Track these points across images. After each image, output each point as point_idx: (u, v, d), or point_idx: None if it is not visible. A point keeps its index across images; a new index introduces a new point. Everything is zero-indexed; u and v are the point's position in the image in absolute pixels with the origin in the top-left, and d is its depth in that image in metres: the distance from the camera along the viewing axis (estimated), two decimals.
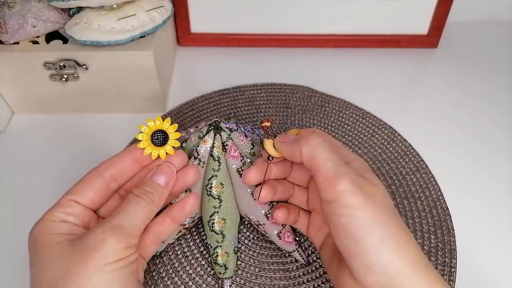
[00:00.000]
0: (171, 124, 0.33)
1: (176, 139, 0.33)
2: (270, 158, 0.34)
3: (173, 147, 0.33)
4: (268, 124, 0.33)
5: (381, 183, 0.30)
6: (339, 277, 0.30)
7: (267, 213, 0.37)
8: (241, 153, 0.36)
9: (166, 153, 0.33)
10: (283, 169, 0.35)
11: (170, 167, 0.33)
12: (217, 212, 0.36)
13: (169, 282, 0.38)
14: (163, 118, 0.34)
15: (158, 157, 0.33)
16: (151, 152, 0.33)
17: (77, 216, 0.30)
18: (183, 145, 0.37)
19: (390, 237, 0.27)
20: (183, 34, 0.57)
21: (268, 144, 0.33)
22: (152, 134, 0.33)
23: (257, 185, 0.35)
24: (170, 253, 0.39)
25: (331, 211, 0.28)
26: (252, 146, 0.37)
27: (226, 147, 0.36)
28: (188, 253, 0.39)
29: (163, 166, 0.33)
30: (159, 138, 0.33)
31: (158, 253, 0.39)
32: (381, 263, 0.27)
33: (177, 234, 0.38)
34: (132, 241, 0.29)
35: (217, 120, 0.37)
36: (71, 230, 0.29)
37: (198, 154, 0.36)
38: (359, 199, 0.27)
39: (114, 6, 0.44)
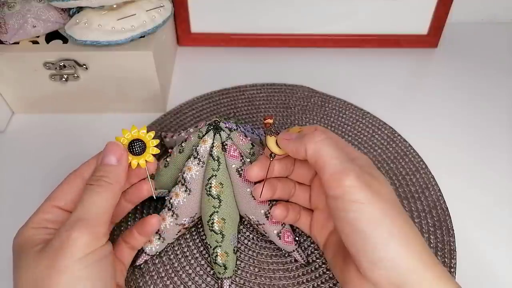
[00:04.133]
0: (147, 132, 0.33)
1: (154, 146, 0.33)
2: (273, 155, 0.33)
3: (152, 154, 0.33)
4: (271, 121, 0.33)
5: (386, 180, 0.30)
6: (345, 274, 0.30)
7: (267, 212, 0.37)
8: (240, 153, 0.36)
9: (146, 160, 0.33)
10: (285, 167, 0.35)
11: (116, 143, 0.32)
12: (217, 212, 0.36)
13: (168, 282, 0.38)
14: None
15: (138, 165, 0.33)
16: (130, 162, 0.33)
17: (56, 221, 0.30)
18: (183, 144, 0.37)
19: (398, 232, 0.27)
20: (183, 34, 0.57)
21: (271, 141, 0.33)
22: (130, 144, 0.33)
23: (255, 183, 0.35)
24: (170, 253, 0.39)
25: (338, 207, 0.28)
26: (251, 146, 0.37)
27: (226, 146, 0.36)
28: (187, 253, 0.39)
29: (108, 145, 0.32)
30: (138, 147, 0.33)
31: (157, 253, 0.39)
32: (389, 258, 0.27)
33: (176, 234, 0.38)
34: (99, 231, 0.28)
35: (217, 120, 0.37)
36: (50, 234, 0.29)
37: (197, 154, 0.36)
38: (366, 194, 0.27)
39: (114, 6, 0.44)
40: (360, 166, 0.30)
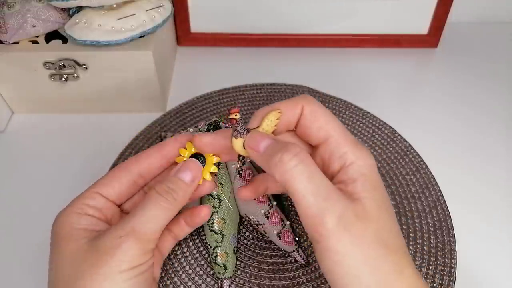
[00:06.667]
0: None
1: (215, 164, 0.31)
2: (241, 158, 0.29)
3: (211, 172, 0.31)
4: (237, 117, 0.28)
5: (380, 201, 0.26)
6: None
7: (267, 213, 0.37)
8: None
9: (210, 172, 0.31)
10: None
11: (196, 162, 0.30)
12: (217, 212, 0.36)
13: (168, 282, 0.38)
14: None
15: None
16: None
17: (99, 209, 0.29)
18: None
19: (377, 282, 0.24)
20: (183, 34, 0.57)
21: (239, 144, 0.28)
22: (192, 156, 0.31)
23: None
24: (170, 253, 0.39)
25: (316, 249, 0.26)
26: None
27: None
28: (187, 253, 0.39)
29: (188, 161, 0.30)
30: (200, 159, 0.31)
31: None
32: None
33: None
34: (149, 247, 0.28)
35: (217, 120, 0.37)
36: (92, 224, 0.28)
37: None
38: (345, 243, 0.24)
39: (114, 5, 0.44)
40: (351, 179, 0.26)
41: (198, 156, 0.31)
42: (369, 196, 0.26)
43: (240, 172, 0.36)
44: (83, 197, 0.29)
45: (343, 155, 0.27)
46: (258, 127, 0.28)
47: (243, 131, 0.28)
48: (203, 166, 0.31)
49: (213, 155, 0.31)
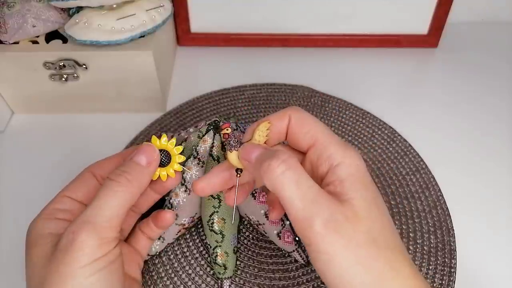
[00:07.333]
0: (175, 146, 0.32)
1: (179, 163, 0.32)
2: (239, 171, 0.29)
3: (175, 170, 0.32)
4: (228, 131, 0.29)
5: (370, 199, 0.26)
6: None
7: (267, 212, 0.37)
8: None
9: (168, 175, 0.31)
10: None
11: (151, 146, 0.30)
12: (217, 211, 0.36)
13: (168, 282, 0.38)
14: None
15: (159, 177, 0.31)
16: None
17: (69, 211, 0.29)
18: (183, 144, 0.37)
19: (371, 280, 0.24)
20: (183, 34, 0.57)
21: (233, 157, 0.29)
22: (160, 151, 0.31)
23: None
24: (170, 253, 0.39)
25: (309, 252, 0.26)
26: None
27: (226, 146, 0.36)
28: (187, 253, 0.39)
29: (142, 145, 0.30)
30: (163, 158, 0.31)
31: (157, 253, 0.39)
32: None
33: (176, 234, 0.38)
34: (108, 235, 0.27)
35: (217, 120, 0.37)
36: (62, 228, 0.28)
37: (197, 154, 0.36)
38: (334, 244, 0.24)
39: (114, 5, 0.44)
40: (339, 180, 0.26)
41: (164, 152, 0.31)
42: (358, 196, 0.26)
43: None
44: (53, 202, 0.30)
45: (330, 156, 0.27)
46: (250, 139, 0.29)
47: (236, 144, 0.29)
48: (168, 163, 0.31)
49: (180, 154, 0.31)
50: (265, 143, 0.29)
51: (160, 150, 0.31)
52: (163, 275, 0.38)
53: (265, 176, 0.26)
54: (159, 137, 0.32)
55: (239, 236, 0.40)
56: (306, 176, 0.26)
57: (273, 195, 0.33)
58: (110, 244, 0.27)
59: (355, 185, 0.26)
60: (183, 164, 0.33)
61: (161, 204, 0.39)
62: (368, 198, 0.26)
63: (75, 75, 0.46)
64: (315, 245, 0.25)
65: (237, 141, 0.29)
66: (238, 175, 0.30)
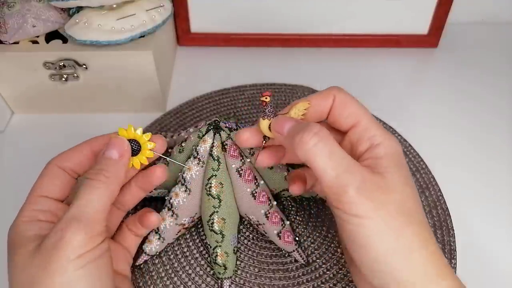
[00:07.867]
0: (143, 133, 0.32)
1: (151, 149, 0.32)
2: (266, 138, 0.31)
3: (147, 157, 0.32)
4: (267, 100, 0.29)
5: (403, 177, 0.27)
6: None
7: (267, 212, 0.37)
8: (240, 153, 0.36)
9: (141, 162, 0.32)
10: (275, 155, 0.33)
11: (119, 138, 0.31)
12: (217, 211, 0.36)
13: (168, 282, 0.38)
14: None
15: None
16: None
17: (49, 211, 0.29)
18: (183, 144, 0.37)
19: (400, 247, 0.25)
20: (183, 34, 0.57)
21: (264, 124, 0.30)
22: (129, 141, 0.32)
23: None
24: (170, 253, 0.39)
25: (338, 216, 0.27)
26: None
27: (226, 146, 0.36)
28: (187, 253, 0.39)
29: (112, 140, 0.31)
30: (133, 147, 0.32)
31: (157, 253, 0.39)
32: (387, 272, 0.26)
33: (176, 234, 0.38)
34: (95, 230, 0.27)
35: (217, 120, 0.37)
36: (44, 229, 0.28)
37: (197, 154, 0.36)
38: (366, 208, 0.25)
39: (114, 5, 0.44)
40: (376, 158, 0.27)
41: (133, 142, 0.32)
42: (392, 171, 0.27)
43: (240, 172, 0.36)
44: (29, 203, 0.30)
45: (372, 138, 0.29)
46: (286, 113, 0.30)
47: (271, 113, 0.30)
48: (139, 151, 0.32)
49: (149, 141, 0.32)
50: None
51: (129, 140, 0.32)
52: (163, 275, 0.38)
53: (298, 148, 0.26)
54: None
55: (239, 236, 0.40)
56: (338, 147, 0.27)
57: (293, 173, 0.34)
58: (97, 238, 0.27)
59: (391, 163, 0.27)
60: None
61: (161, 204, 0.39)
62: (402, 176, 0.27)
63: (75, 75, 0.46)
64: (348, 209, 0.26)
65: (273, 111, 0.30)
66: (265, 142, 0.31)
